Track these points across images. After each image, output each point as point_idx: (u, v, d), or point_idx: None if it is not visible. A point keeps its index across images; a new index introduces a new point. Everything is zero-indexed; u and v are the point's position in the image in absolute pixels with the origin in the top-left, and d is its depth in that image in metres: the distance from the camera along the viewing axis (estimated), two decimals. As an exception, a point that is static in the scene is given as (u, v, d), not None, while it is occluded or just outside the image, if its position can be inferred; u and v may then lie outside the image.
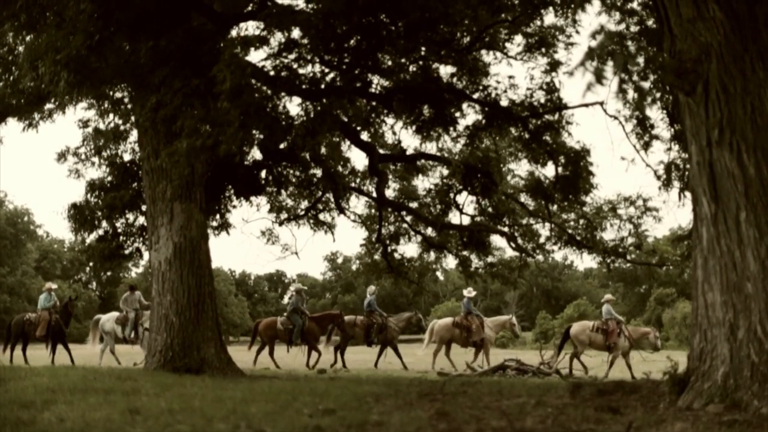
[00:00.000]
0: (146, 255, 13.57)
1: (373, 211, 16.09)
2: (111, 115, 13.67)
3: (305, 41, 9.99)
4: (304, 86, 10.33)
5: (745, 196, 5.31)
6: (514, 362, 14.41)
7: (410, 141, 39.07)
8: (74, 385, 6.89)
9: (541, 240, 15.38)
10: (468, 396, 6.32)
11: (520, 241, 15.18)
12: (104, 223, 13.73)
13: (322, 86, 10.40)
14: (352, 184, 15.46)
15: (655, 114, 12.73)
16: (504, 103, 12.21)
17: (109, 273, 56.20)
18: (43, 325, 17.21)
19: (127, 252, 13.95)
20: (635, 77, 5.14)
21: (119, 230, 13.69)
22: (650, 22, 8.95)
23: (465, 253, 15.68)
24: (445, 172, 14.77)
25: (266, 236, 15.92)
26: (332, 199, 15.27)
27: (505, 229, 15.01)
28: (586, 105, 12.08)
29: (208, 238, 11.83)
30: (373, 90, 11.47)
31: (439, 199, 15.03)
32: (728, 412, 4.86)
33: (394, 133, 13.79)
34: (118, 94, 12.84)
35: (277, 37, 10.18)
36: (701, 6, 5.57)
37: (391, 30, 10.20)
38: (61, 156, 14.67)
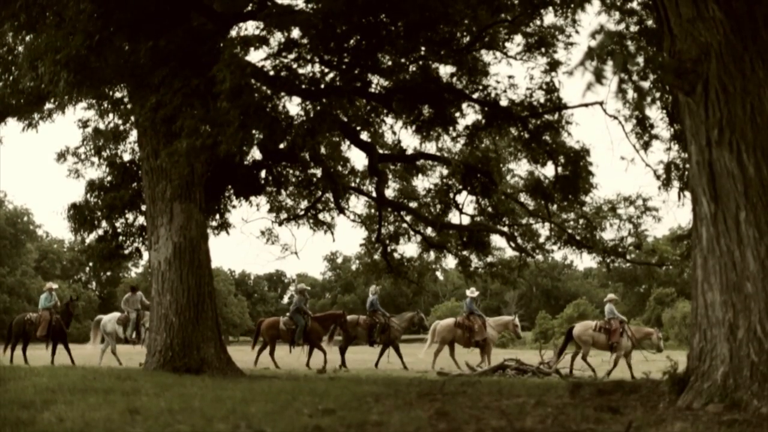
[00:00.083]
0: (146, 255, 13.63)
1: (372, 210, 16.08)
2: (111, 115, 13.68)
3: (305, 41, 9.98)
4: (303, 86, 10.32)
5: (744, 195, 5.31)
6: (513, 362, 14.42)
7: (410, 141, 39.05)
8: (74, 385, 6.89)
9: (541, 240, 15.39)
10: (468, 396, 6.32)
11: (519, 240, 15.17)
12: (104, 223, 13.74)
13: (322, 86, 10.38)
14: (352, 184, 15.46)
15: (655, 114, 12.75)
16: (504, 102, 12.20)
17: (108, 273, 56.26)
18: (44, 325, 17.18)
19: (126, 252, 13.97)
20: (635, 77, 5.13)
21: (119, 230, 13.70)
22: (650, 22, 8.96)
23: (465, 252, 15.66)
24: (445, 171, 14.77)
25: (266, 236, 15.94)
26: (332, 199, 15.27)
27: (505, 229, 15.00)
28: (586, 105, 12.08)
29: (208, 237, 11.85)
30: (372, 90, 11.46)
31: (439, 198, 15.01)
32: (728, 412, 4.86)
33: (394, 133, 13.84)
34: (118, 94, 12.85)
35: (277, 37, 10.18)
36: (701, 6, 5.57)
37: (391, 30, 10.20)
38: (61, 156, 14.69)
